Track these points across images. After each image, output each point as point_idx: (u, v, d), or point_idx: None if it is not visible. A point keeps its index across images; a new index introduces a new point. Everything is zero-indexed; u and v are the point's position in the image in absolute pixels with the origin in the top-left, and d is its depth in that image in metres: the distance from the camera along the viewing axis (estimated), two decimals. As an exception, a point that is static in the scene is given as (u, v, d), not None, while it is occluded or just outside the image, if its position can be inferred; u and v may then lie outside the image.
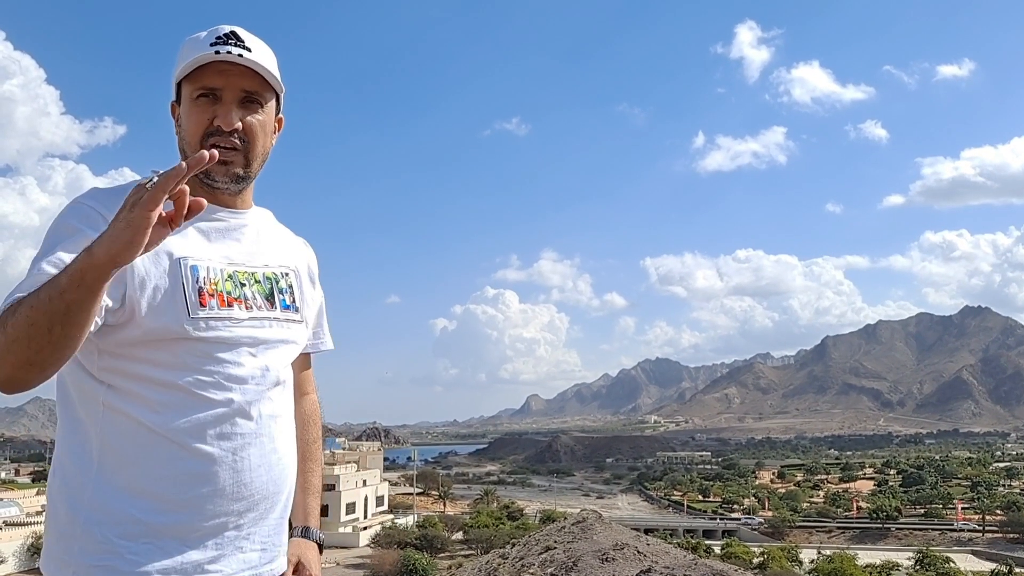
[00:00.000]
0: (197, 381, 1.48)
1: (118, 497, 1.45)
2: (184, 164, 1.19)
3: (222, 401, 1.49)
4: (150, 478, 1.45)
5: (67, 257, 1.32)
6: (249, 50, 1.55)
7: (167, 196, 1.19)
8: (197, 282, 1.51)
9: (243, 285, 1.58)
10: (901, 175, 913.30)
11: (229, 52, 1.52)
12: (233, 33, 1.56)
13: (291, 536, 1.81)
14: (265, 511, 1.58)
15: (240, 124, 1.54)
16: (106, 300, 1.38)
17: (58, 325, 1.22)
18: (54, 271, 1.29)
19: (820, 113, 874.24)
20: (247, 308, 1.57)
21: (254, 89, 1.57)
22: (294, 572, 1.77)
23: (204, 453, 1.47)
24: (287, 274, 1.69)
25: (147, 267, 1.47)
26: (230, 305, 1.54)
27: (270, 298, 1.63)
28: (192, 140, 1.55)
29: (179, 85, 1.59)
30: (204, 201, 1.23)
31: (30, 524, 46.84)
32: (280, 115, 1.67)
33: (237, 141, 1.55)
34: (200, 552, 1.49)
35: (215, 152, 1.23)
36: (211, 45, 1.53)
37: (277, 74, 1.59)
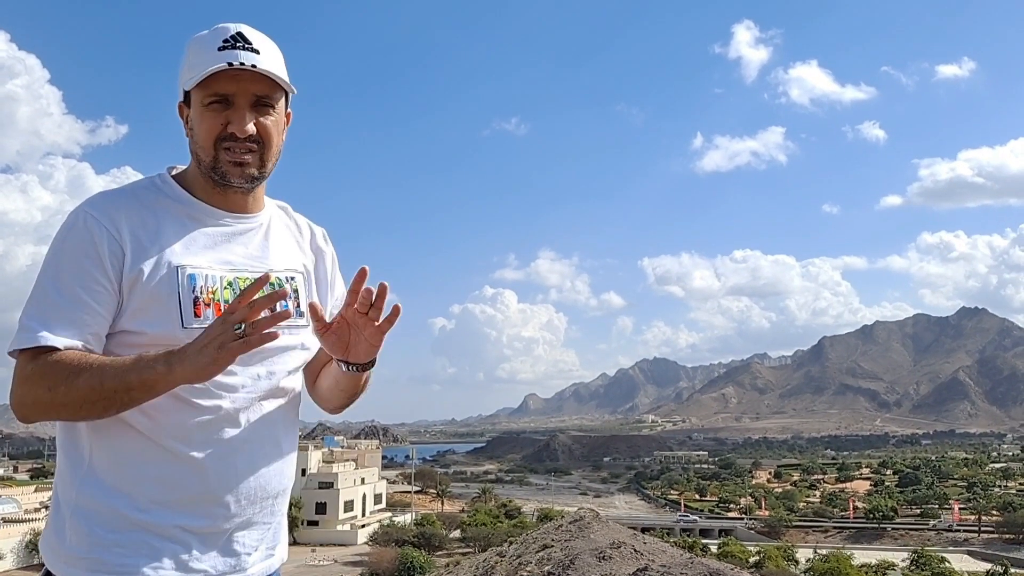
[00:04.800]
0: (187, 387, 1.48)
1: (106, 494, 1.49)
2: (274, 331, 1.36)
3: (210, 408, 1.51)
4: (137, 478, 1.49)
5: (96, 304, 1.48)
6: (258, 52, 1.53)
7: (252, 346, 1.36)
8: (193, 291, 1.52)
9: None
10: (899, 176, 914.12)
11: (242, 64, 1.51)
12: (240, 35, 1.54)
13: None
14: (253, 516, 1.59)
15: (254, 129, 1.54)
16: (101, 311, 1.49)
17: (113, 408, 1.42)
18: (80, 313, 1.46)
19: (818, 114, 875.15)
20: None
21: (266, 93, 1.56)
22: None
23: (190, 458, 1.50)
24: (293, 278, 1.69)
25: (146, 273, 1.50)
26: None
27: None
28: (206, 146, 1.55)
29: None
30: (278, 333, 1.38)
31: (29, 521, 46.90)
32: (288, 109, 1.66)
33: (253, 145, 1.55)
34: (185, 551, 1.51)
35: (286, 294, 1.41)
36: (219, 50, 1.52)
37: (287, 76, 1.58)
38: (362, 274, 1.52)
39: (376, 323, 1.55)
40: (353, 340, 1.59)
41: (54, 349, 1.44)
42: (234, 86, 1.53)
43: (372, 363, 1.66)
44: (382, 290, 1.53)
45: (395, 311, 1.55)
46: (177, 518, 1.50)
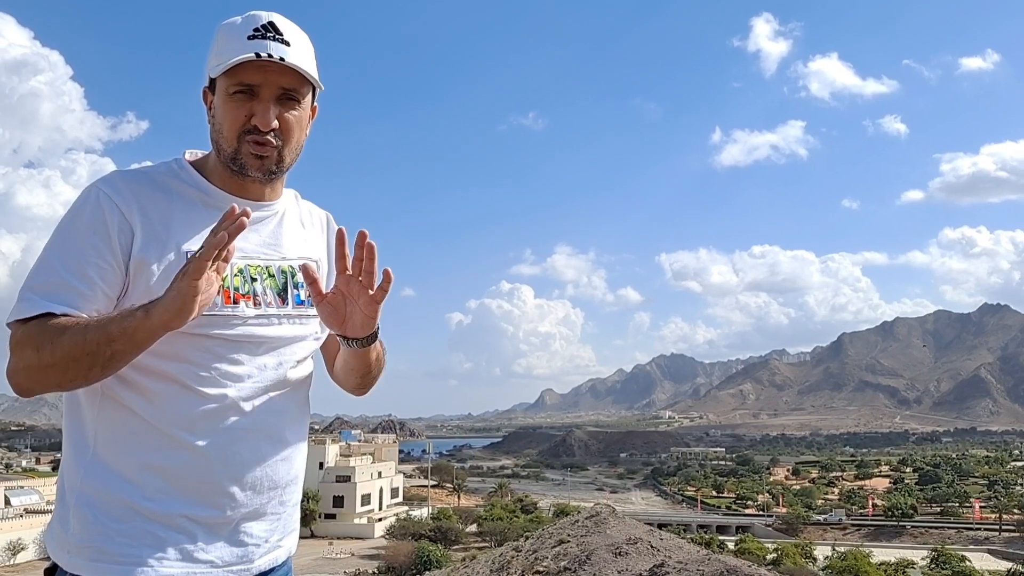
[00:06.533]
0: (193, 375, 1.48)
1: (110, 481, 1.46)
2: (224, 233, 1.32)
3: (215, 396, 1.49)
4: (141, 466, 1.47)
5: (101, 281, 1.45)
6: (288, 44, 1.50)
7: (211, 263, 1.32)
8: None
9: (254, 280, 1.56)
10: (920, 170, 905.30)
11: (270, 56, 1.47)
12: (271, 24, 1.51)
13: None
14: (262, 506, 1.56)
15: (277, 123, 1.52)
16: (104, 289, 1.46)
17: (98, 367, 1.37)
18: (82, 287, 1.43)
19: (839, 108, 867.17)
20: (255, 304, 1.56)
21: (293, 86, 1.52)
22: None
23: (193, 446, 1.47)
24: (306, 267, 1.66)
25: (155, 256, 1.48)
26: (236, 302, 1.53)
27: (283, 294, 1.61)
28: (229, 137, 1.52)
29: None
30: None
31: (51, 512, 47.44)
32: (315, 103, 1.63)
33: (273, 139, 1.53)
34: (190, 542, 1.48)
35: (244, 221, 1.33)
36: (249, 39, 1.49)
37: (316, 71, 1.55)
38: (341, 237, 1.49)
39: (370, 291, 1.51)
40: (349, 312, 1.54)
41: (49, 315, 1.41)
42: (260, 77, 1.49)
43: (372, 337, 1.60)
44: (360, 239, 1.47)
45: (386, 277, 1.50)
46: (182, 507, 1.47)
